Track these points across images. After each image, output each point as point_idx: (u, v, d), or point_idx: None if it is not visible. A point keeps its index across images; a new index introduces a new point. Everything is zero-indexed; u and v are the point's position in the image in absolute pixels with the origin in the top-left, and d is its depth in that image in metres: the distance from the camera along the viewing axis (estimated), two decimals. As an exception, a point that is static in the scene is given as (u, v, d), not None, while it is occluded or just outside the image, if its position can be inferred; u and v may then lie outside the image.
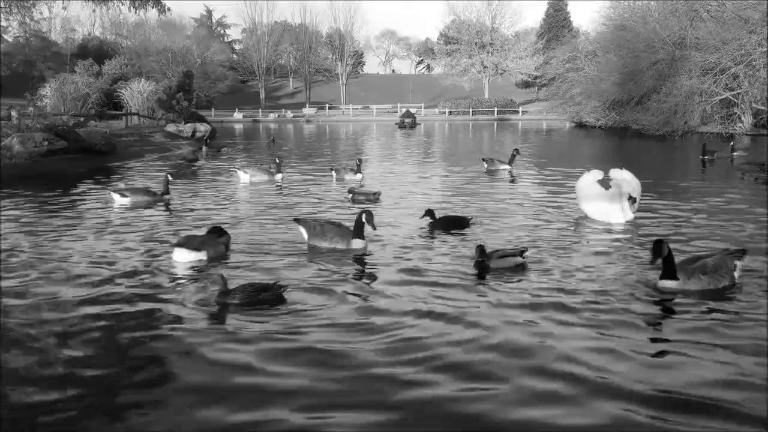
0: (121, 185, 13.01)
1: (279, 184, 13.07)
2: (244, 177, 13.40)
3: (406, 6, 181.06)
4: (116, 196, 10.56)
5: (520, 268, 6.21)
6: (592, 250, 7.08)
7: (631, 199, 8.21)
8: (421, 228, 8.27)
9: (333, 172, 13.90)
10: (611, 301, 5.28)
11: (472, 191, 12.06)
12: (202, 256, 6.64)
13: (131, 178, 15.14)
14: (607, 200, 8.24)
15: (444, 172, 15.90)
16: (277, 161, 14.15)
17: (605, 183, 8.40)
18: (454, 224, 8.24)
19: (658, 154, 23.13)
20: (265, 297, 5.26)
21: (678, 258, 5.76)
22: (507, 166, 15.11)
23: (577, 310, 5.06)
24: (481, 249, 6.24)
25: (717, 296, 5.39)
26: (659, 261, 5.45)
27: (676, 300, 5.34)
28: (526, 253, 6.43)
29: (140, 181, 14.18)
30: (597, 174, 8.48)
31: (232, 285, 5.41)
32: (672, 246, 6.92)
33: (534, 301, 5.32)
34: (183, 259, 6.59)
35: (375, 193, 11.04)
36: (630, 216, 8.28)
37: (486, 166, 15.43)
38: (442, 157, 22.23)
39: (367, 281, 5.98)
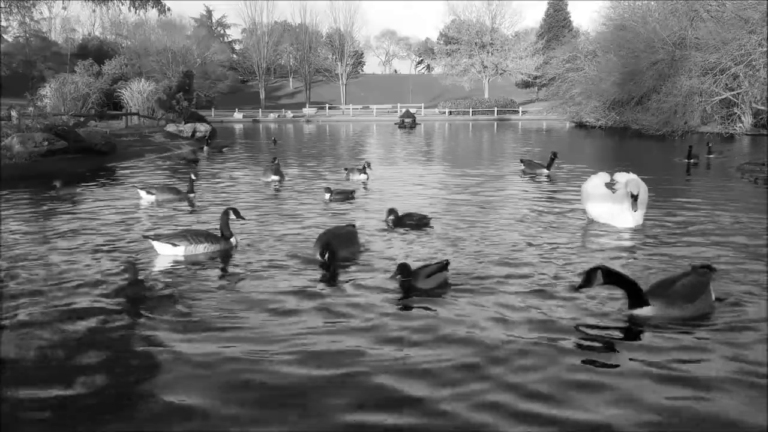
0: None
1: (277, 186, 12.95)
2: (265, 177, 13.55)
3: (406, 6, 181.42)
4: (143, 193, 10.79)
5: (446, 284, 5.61)
6: (582, 261, 6.59)
7: (633, 197, 8.04)
8: (386, 228, 8.27)
9: (345, 171, 13.88)
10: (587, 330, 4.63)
11: (485, 193, 12.04)
12: (178, 251, 6.74)
13: (131, 177, 15.14)
14: (613, 202, 8.13)
15: (476, 173, 15.32)
16: (275, 162, 14.12)
17: (612, 186, 8.29)
18: (413, 222, 8.32)
19: (658, 155, 23.11)
20: (147, 296, 5.23)
21: (648, 279, 5.23)
22: (546, 170, 14.43)
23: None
24: (404, 267, 5.54)
25: (695, 325, 4.68)
26: (590, 289, 4.87)
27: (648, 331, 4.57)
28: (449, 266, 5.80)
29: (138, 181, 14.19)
30: (604, 177, 8.41)
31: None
32: (675, 253, 6.93)
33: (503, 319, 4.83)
34: (162, 251, 6.80)
35: (351, 192, 11.06)
36: (639, 219, 8.11)
37: (524, 168, 14.99)
38: (465, 157, 22.19)
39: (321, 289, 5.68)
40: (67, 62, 70.14)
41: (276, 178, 13.26)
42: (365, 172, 13.49)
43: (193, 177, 11.57)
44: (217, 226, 7.30)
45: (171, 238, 6.85)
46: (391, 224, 8.29)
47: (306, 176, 14.77)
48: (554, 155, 14.76)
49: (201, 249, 6.82)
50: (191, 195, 11.13)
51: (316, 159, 20.28)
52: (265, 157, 21.01)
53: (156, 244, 6.82)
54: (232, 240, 7.15)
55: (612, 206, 8.14)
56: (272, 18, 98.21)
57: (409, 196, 11.45)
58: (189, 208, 10.26)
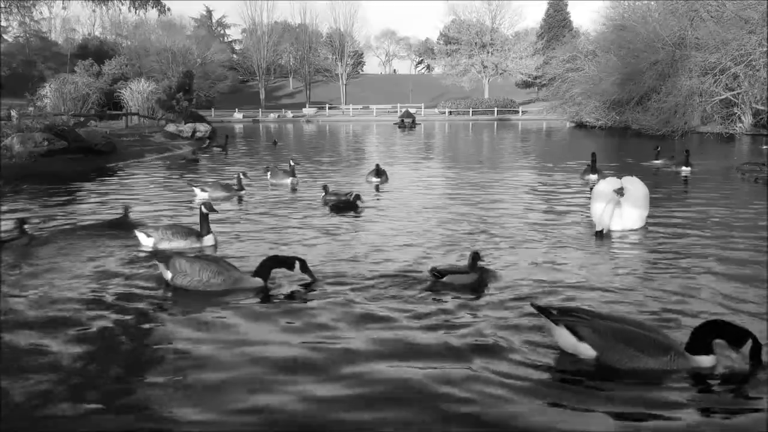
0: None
1: (294, 187, 12.65)
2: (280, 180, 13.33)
3: (406, 6, 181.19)
4: (197, 190, 11.28)
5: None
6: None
7: (620, 194, 8.01)
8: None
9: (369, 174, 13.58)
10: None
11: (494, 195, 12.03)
12: (149, 242, 7.08)
13: (133, 176, 15.15)
14: (608, 204, 8.09)
15: (480, 176, 14.74)
16: (291, 164, 13.84)
17: (621, 191, 8.23)
18: (347, 206, 9.60)
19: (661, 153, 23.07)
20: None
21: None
22: (593, 176, 13.14)
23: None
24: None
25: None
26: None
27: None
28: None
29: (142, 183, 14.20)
30: (614, 181, 8.37)
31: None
32: (678, 258, 6.79)
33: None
34: (141, 241, 7.17)
35: (348, 194, 10.35)
36: (638, 222, 8.09)
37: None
38: (467, 158, 22.15)
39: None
40: (67, 62, 70.22)
41: (288, 181, 12.95)
42: (379, 176, 13.12)
43: (242, 176, 11.76)
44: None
45: (147, 229, 7.26)
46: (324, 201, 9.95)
47: (310, 179, 14.44)
48: (594, 156, 13.82)
49: (166, 244, 7.00)
50: (242, 192, 11.42)
51: (320, 160, 20.07)
52: (258, 157, 20.99)
53: (136, 232, 7.25)
54: (207, 238, 7.10)
55: (606, 208, 8.10)
56: (272, 18, 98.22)
57: (417, 198, 11.35)
58: (238, 205, 10.50)
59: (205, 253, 6.65)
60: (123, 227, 7.90)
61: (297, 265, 5.65)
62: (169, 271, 5.58)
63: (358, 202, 9.78)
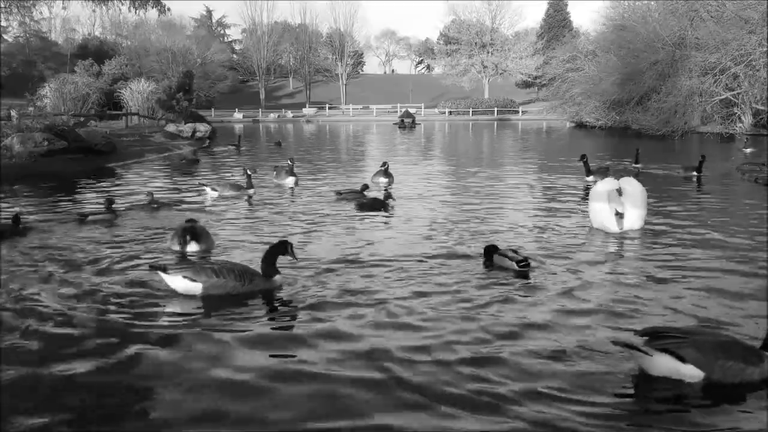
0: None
1: (292, 187, 12.65)
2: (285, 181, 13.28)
3: (406, 6, 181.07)
4: (208, 189, 11.51)
5: None
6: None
7: (619, 214, 7.95)
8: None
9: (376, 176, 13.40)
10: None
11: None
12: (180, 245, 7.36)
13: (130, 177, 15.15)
14: (607, 206, 8.08)
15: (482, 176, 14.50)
16: (290, 163, 13.74)
17: (619, 191, 8.20)
18: (378, 205, 9.71)
19: (656, 155, 23.08)
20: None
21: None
22: (590, 177, 13.05)
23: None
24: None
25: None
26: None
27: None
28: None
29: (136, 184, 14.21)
30: (612, 182, 8.37)
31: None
32: (681, 262, 6.74)
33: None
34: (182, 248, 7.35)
35: (378, 199, 10.19)
36: (636, 223, 8.07)
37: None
38: (468, 158, 22.12)
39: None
40: (67, 62, 70.20)
41: (291, 180, 12.90)
42: (387, 176, 12.98)
43: (249, 172, 11.83)
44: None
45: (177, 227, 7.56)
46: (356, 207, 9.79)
47: (317, 179, 14.36)
48: (584, 158, 13.52)
49: (168, 244, 7.29)
50: (250, 190, 11.52)
51: (322, 160, 19.97)
52: (265, 157, 20.98)
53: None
54: (191, 245, 7.09)
55: (605, 209, 8.08)
56: (272, 18, 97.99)
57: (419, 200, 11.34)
58: (248, 204, 10.66)
59: (208, 261, 6.49)
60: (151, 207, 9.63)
61: (289, 247, 5.83)
62: (198, 283, 5.37)
63: (389, 201, 9.89)
